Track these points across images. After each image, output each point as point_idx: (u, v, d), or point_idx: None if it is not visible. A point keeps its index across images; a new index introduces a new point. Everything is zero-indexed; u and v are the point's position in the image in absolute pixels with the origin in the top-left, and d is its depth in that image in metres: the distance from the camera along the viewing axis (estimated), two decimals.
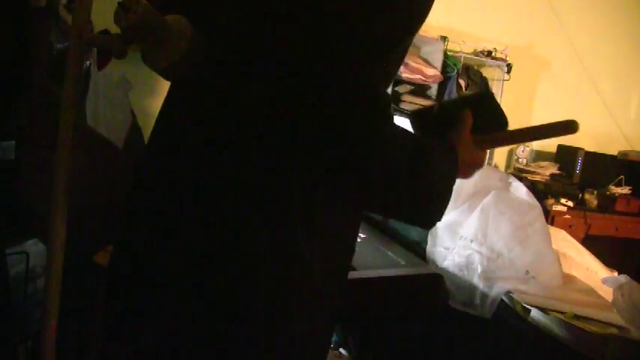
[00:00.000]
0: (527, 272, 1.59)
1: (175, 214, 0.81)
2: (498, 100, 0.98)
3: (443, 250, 1.72)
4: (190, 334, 0.79)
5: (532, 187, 3.42)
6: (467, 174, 0.88)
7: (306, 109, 0.71)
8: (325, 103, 0.70)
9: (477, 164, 0.88)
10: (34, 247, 1.73)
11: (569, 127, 0.88)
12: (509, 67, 3.74)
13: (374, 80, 0.73)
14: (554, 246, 1.71)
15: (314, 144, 0.73)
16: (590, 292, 1.63)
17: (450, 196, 0.82)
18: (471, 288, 1.56)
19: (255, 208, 0.77)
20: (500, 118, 0.92)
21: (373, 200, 0.80)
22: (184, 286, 0.80)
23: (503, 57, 3.74)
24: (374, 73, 0.73)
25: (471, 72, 3.67)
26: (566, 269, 1.75)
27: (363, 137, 0.71)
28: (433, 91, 3.50)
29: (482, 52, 3.71)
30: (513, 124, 0.96)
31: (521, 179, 2.63)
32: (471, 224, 1.69)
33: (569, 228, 3.29)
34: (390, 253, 1.76)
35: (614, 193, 3.84)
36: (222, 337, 0.78)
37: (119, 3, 0.82)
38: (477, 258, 1.61)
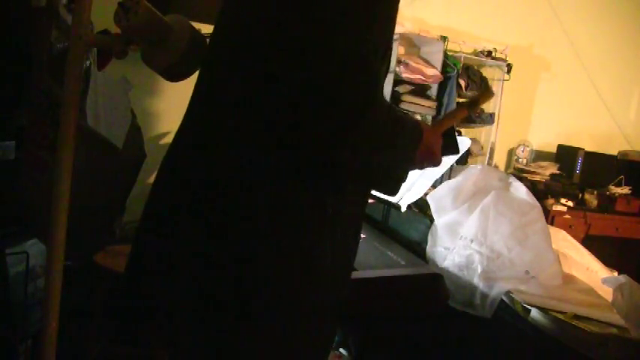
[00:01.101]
0: (527, 272, 1.59)
1: (188, 209, 0.82)
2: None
3: (443, 250, 1.72)
4: (196, 334, 0.79)
5: (532, 187, 3.42)
6: (426, 153, 0.92)
7: (308, 100, 0.73)
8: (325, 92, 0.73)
9: (433, 145, 0.94)
10: (34, 247, 1.73)
11: (487, 93, 1.20)
12: (509, 67, 3.73)
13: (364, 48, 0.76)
14: (554, 246, 1.71)
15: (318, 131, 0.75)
16: (590, 292, 1.63)
17: (410, 169, 0.89)
18: (471, 288, 1.56)
19: (268, 197, 0.78)
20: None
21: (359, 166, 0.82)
22: (192, 287, 0.80)
23: (503, 57, 3.73)
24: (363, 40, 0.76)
25: (471, 72, 3.66)
26: (566, 269, 1.75)
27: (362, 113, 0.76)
28: (433, 91, 3.49)
29: (482, 52, 3.71)
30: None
31: (521, 179, 2.62)
32: (471, 224, 1.68)
33: (569, 228, 3.29)
34: (390, 253, 1.76)
35: (614, 193, 3.84)
36: (228, 335, 0.78)
37: (119, 3, 0.82)
38: (476, 258, 1.61)
